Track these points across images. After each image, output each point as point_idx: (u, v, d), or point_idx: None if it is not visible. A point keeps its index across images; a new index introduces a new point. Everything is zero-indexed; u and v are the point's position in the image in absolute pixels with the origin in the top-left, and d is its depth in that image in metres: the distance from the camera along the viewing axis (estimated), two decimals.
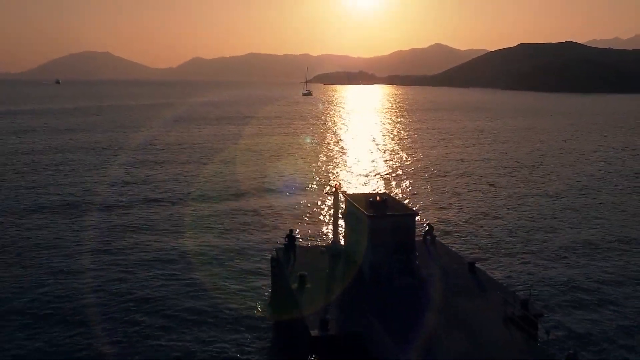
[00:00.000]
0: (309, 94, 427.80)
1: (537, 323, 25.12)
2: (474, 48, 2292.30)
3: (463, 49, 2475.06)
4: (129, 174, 73.31)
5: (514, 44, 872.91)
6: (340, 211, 34.15)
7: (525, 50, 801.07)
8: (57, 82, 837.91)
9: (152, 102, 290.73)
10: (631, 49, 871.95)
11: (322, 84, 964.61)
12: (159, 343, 27.25)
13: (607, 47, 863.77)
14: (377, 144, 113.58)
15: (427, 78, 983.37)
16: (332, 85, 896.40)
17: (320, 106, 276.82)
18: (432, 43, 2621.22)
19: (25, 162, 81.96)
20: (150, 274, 36.42)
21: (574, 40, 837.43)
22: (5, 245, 41.99)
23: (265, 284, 34.54)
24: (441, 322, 24.30)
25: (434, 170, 79.74)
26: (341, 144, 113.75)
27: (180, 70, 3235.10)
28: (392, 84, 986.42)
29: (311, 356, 23.39)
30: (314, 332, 22.89)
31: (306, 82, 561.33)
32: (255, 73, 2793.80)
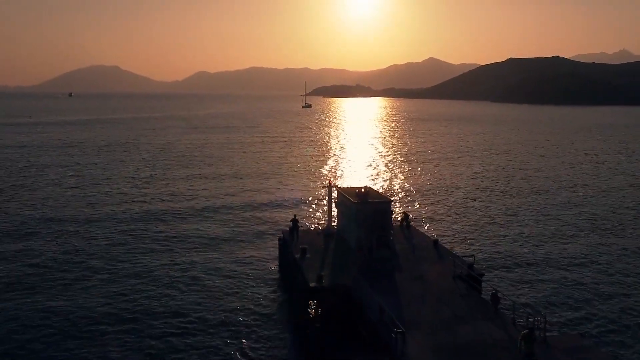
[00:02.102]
0: (308, 106, 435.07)
1: (480, 280, 32.29)
2: (466, 62, 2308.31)
3: (456, 63, 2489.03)
4: (154, 172, 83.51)
5: (504, 59, 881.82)
6: (333, 201, 41.37)
7: (515, 65, 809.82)
8: (70, 95, 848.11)
9: (165, 114, 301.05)
10: (616, 63, 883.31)
11: (321, 97, 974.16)
12: (189, 289, 34.58)
13: (592, 62, 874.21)
14: (366, 148, 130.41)
15: (421, 91, 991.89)
16: (330, 98, 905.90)
17: (319, 117, 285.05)
18: (426, 57, 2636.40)
19: (55, 172, 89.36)
20: (184, 247, 43.89)
21: (561, 55, 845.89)
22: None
23: (274, 256, 42.81)
24: (406, 278, 31.54)
25: (412, 169, 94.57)
26: (335, 148, 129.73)
27: (185, 84, 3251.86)
28: (388, 97, 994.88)
29: (310, 301, 30.60)
30: (312, 284, 30.04)
31: (305, 95, 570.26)
32: (257, 86, 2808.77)
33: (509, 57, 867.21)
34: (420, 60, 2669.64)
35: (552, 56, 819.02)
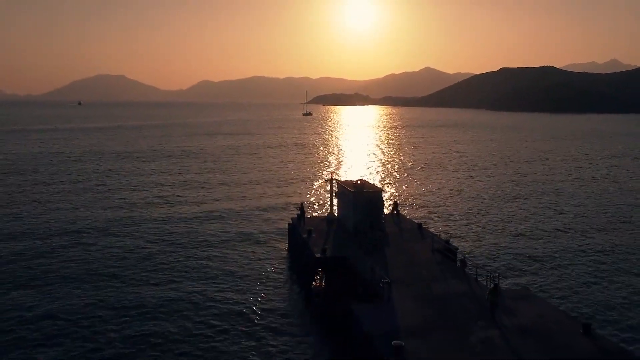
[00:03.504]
0: (309, 114, 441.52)
1: (455, 252, 38.33)
2: (461, 72, 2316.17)
3: (451, 72, 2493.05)
4: (172, 169, 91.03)
5: (497, 68, 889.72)
6: (334, 192, 47.53)
7: (507, 74, 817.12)
8: (79, 103, 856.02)
9: (174, 121, 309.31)
10: (607, 72, 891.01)
11: (321, 105, 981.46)
12: (213, 264, 40.64)
13: (583, 71, 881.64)
14: (362, 149, 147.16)
15: (418, 99, 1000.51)
16: (330, 106, 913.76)
17: (320, 124, 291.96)
18: (423, 67, 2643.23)
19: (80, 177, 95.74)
20: (205, 231, 50.02)
21: (552, 65, 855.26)
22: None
23: (284, 239, 49.35)
24: (394, 251, 37.62)
25: (402, 166, 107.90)
26: (335, 149, 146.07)
27: (189, 92, 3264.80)
28: (386, 105, 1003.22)
29: (315, 269, 36.73)
30: (318, 255, 36.14)
31: (306, 103, 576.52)
32: (258, 95, 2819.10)
33: (502, 67, 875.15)
34: (416, 69, 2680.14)
35: (544, 66, 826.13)
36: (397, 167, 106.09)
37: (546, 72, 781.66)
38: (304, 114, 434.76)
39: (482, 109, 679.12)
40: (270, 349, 28.33)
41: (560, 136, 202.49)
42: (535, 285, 37.95)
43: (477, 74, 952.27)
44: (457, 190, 78.86)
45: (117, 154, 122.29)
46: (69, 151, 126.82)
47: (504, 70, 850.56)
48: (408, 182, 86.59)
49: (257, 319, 32.04)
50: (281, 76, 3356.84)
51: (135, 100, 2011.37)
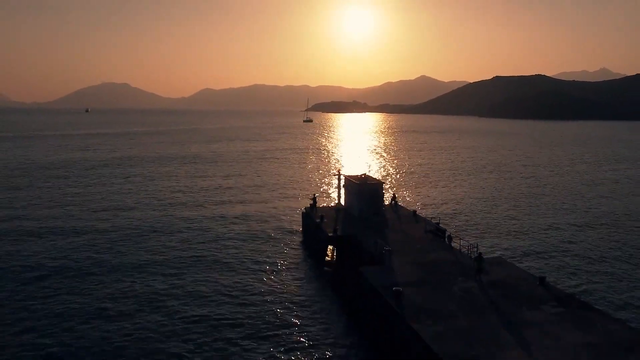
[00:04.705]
0: (309, 120, 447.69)
1: (444, 232, 44.66)
2: (456, 80, 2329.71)
3: (446, 80, 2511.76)
4: (196, 171, 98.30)
5: (490, 77, 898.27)
6: (341, 185, 53.94)
7: (500, 82, 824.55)
8: (87, 110, 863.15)
9: (182, 127, 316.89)
10: (597, 80, 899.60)
11: (320, 112, 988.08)
12: (237, 245, 46.97)
13: (573, 80, 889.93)
14: (364, 150, 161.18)
15: (414, 106, 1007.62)
16: (329, 114, 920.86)
17: (322, 130, 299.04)
18: (418, 75, 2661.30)
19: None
20: (231, 220, 56.41)
21: (544, 73, 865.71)
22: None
23: (299, 224, 56.01)
24: (392, 232, 44.00)
25: (400, 163, 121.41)
26: (339, 150, 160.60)
27: (192, 100, 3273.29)
28: (383, 112, 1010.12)
29: (328, 246, 43.12)
30: (330, 234, 42.50)
31: (307, 110, 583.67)
32: (259, 102, 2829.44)
33: (495, 75, 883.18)
34: (412, 77, 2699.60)
35: (536, 74, 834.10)
36: (395, 166, 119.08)
37: (538, 80, 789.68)
38: (304, 121, 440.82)
39: (475, 116, 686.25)
40: (291, 305, 34.73)
41: (543, 139, 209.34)
42: (507, 255, 44.79)
43: (471, 82, 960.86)
44: (446, 184, 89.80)
45: (151, 158, 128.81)
46: (90, 158, 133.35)
47: (497, 79, 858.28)
48: (404, 178, 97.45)
49: (279, 285, 38.50)
50: (281, 84, 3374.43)
51: (138, 107, 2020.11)
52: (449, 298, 28.58)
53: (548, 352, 22.27)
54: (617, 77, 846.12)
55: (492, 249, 48.30)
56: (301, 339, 29.78)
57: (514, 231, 55.71)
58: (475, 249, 37.36)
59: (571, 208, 68.89)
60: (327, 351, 28.42)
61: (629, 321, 30.66)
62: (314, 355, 27.98)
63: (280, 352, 28.25)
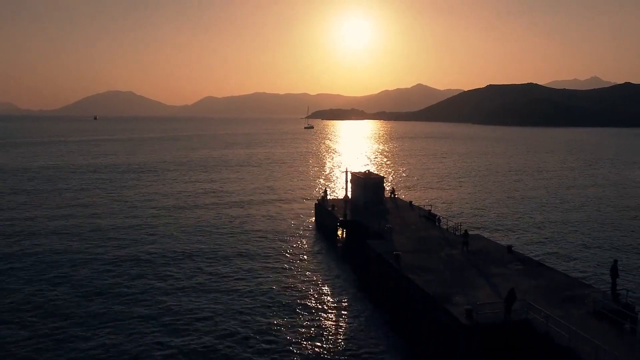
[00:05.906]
0: (310, 127, 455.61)
1: (435, 217, 52.40)
2: (451, 88, 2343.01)
3: (441, 88, 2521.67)
4: (214, 171, 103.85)
5: (484, 85, 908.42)
6: (348, 180, 61.75)
7: (494, 90, 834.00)
8: (95, 118, 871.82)
9: (191, 133, 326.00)
10: (588, 88, 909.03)
11: (319, 119, 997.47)
12: (256, 230, 54.73)
13: (564, 88, 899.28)
14: (366, 151, 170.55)
15: (410, 114, 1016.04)
16: (328, 121, 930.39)
17: (323, 136, 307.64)
18: (415, 83, 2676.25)
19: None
20: (253, 210, 64.20)
21: (536, 82, 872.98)
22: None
23: (312, 213, 63.97)
24: (392, 218, 51.79)
25: (397, 163, 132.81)
26: (344, 152, 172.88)
27: (194, 108, 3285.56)
28: (380, 119, 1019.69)
29: (339, 229, 50.92)
30: (341, 218, 50.28)
31: (307, 117, 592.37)
32: (260, 110, 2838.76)
33: (488, 84, 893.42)
34: (409, 86, 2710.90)
35: (528, 83, 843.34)
36: (393, 165, 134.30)
37: (530, 88, 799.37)
38: (306, 128, 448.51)
39: (469, 122, 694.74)
40: (308, 272, 42.51)
41: (531, 145, 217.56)
42: (485, 233, 52.47)
43: (465, 90, 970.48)
44: (438, 179, 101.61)
45: (169, 162, 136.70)
46: (109, 163, 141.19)
47: (490, 87, 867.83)
48: (401, 174, 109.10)
49: (300, 257, 46.32)
50: (281, 92, 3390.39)
51: (143, 115, 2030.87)
52: (437, 260, 36.30)
53: (506, 291, 29.98)
54: (607, 86, 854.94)
55: (473, 228, 56.22)
56: (319, 295, 37.57)
57: (492, 214, 66.84)
58: (461, 227, 45.12)
59: (544, 200, 78.92)
60: (343, 301, 36.22)
61: (568, 271, 39.98)
62: (332, 304, 35.76)
63: (302, 303, 35.97)
